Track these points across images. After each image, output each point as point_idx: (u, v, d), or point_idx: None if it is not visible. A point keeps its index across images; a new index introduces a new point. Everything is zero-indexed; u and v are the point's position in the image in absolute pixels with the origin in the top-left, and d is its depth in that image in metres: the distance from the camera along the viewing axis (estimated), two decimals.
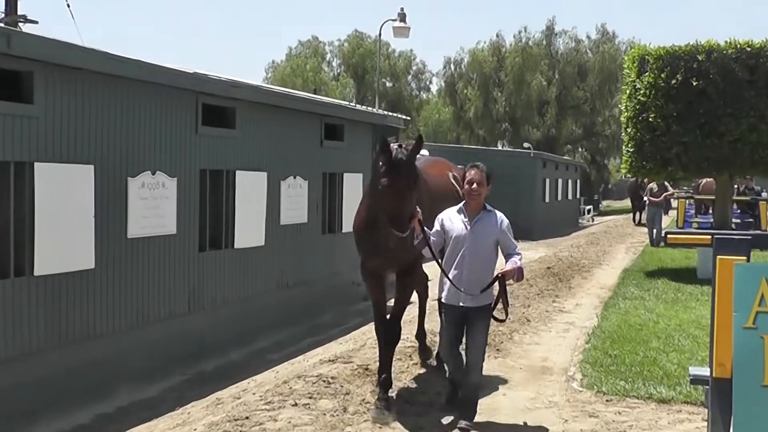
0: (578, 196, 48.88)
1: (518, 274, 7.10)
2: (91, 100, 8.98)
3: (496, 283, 7.23)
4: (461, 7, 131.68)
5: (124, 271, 9.63)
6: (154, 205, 10.06)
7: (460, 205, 7.36)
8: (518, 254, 7.18)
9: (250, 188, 11.96)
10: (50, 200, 8.37)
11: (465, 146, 47.30)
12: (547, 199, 37.45)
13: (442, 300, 7.47)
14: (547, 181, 37.60)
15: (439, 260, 7.33)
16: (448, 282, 7.31)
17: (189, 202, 10.75)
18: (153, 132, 10.02)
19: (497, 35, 61.48)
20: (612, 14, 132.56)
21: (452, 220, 7.30)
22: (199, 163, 10.95)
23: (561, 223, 39.06)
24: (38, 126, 8.25)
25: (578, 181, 48.40)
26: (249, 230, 12.01)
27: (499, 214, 7.32)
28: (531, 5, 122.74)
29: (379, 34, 35.97)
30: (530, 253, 25.57)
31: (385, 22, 32.89)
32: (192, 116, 10.74)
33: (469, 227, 7.18)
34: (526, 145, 42.29)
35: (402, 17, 31.54)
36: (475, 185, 7.18)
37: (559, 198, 41.02)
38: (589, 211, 50.81)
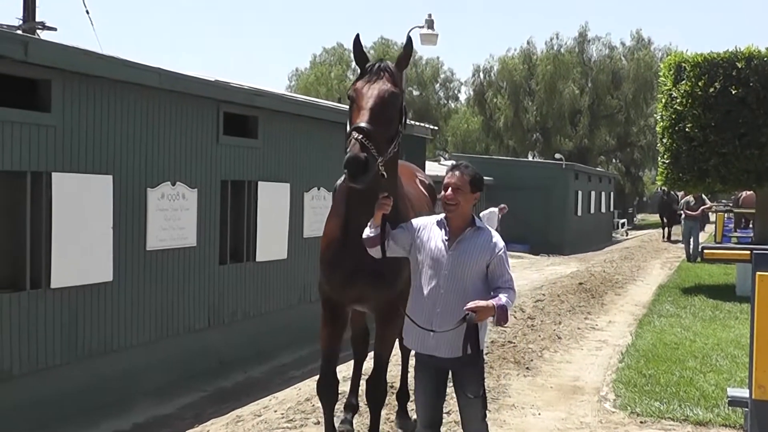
0: (612, 209, 48.70)
1: (499, 314, 5.26)
2: (110, 108, 9.04)
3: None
4: (491, 13, 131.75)
5: (142, 284, 9.67)
6: (174, 217, 10.10)
7: (441, 216, 5.69)
8: (510, 289, 5.46)
9: (272, 200, 11.99)
10: (68, 211, 8.42)
11: (494, 157, 47.25)
12: (579, 212, 37.33)
13: (405, 345, 5.91)
14: (580, 193, 37.49)
15: (385, 250, 5.70)
16: (407, 324, 5.67)
17: (210, 214, 10.79)
18: (173, 142, 10.08)
19: (528, 42, 61.51)
20: (647, 20, 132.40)
21: (430, 232, 5.66)
22: (220, 174, 10.99)
23: (594, 237, 38.93)
24: (56, 135, 8.31)
25: (612, 193, 48.22)
26: (271, 243, 12.03)
27: (494, 234, 5.64)
28: (563, 11, 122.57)
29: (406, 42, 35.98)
30: (561, 268, 25.50)
31: (412, 29, 32.79)
32: (213, 125, 10.79)
33: (448, 248, 5.51)
34: (557, 156, 42.14)
35: (430, 24, 31.53)
36: (449, 191, 5.50)
37: (592, 211, 40.88)
38: (622, 224, 50.61)
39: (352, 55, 6.08)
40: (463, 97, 70.23)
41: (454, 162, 5.87)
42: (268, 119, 11.87)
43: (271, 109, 11.89)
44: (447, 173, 5.62)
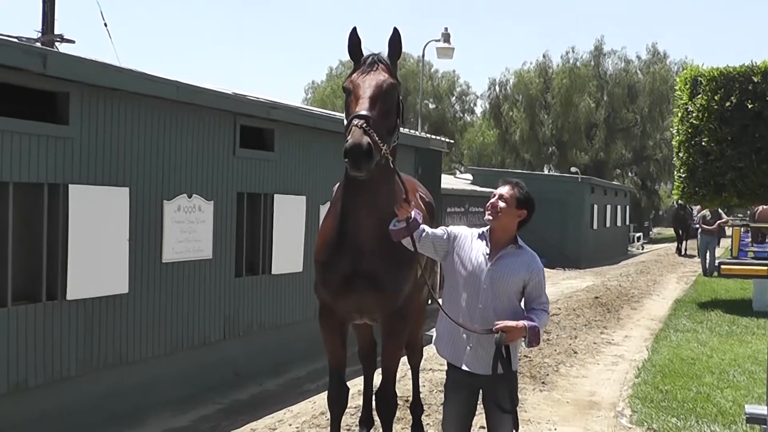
0: (627, 222, 48.48)
1: (531, 335, 5.27)
2: (128, 121, 9.06)
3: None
4: (507, 26, 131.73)
5: (158, 297, 9.67)
6: (190, 229, 10.11)
7: (484, 229, 5.61)
8: (544, 311, 5.48)
9: (288, 212, 11.99)
10: (84, 223, 8.43)
11: (510, 170, 47.15)
12: (595, 226, 37.19)
13: (439, 352, 5.78)
14: (596, 207, 37.35)
15: (417, 244, 5.58)
16: (444, 322, 5.61)
17: (225, 226, 10.79)
18: (190, 154, 10.09)
19: (544, 56, 61.44)
20: (663, 33, 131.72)
21: (471, 243, 5.57)
22: (236, 186, 10.99)
23: (609, 251, 38.77)
24: (73, 147, 8.32)
25: (627, 207, 48.02)
26: (287, 256, 12.02)
27: (535, 256, 5.60)
28: (578, 25, 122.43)
29: (422, 55, 36.06)
30: (577, 282, 25.42)
31: (428, 43, 33.01)
32: (230, 138, 10.80)
33: (489, 262, 5.45)
34: (573, 169, 42.05)
35: (446, 37, 31.62)
36: (495, 199, 5.47)
37: (608, 225, 40.71)
38: (638, 238, 50.40)
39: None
40: (479, 110, 70.24)
41: (509, 179, 5.67)
42: (284, 132, 11.87)
43: (288, 122, 11.89)
44: (500, 185, 5.59)
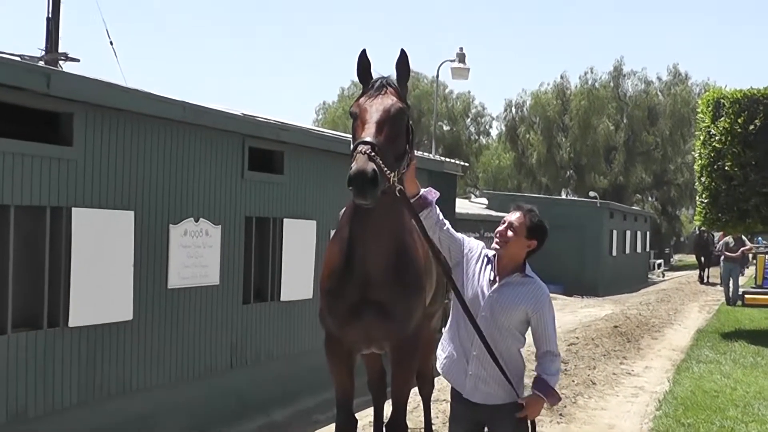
0: (648, 249, 48.39)
1: (551, 400, 5.36)
2: (133, 142, 9.05)
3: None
4: (523, 47, 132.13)
5: (163, 324, 9.62)
6: (197, 254, 10.08)
7: (492, 252, 5.50)
8: (555, 356, 5.41)
9: (298, 237, 11.96)
10: (88, 247, 8.41)
11: (526, 194, 47.11)
12: (614, 253, 37.09)
13: (440, 371, 5.69)
14: (615, 232, 37.28)
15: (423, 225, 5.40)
16: (447, 344, 5.58)
17: (233, 252, 10.76)
18: (197, 177, 10.07)
19: (561, 76, 61.73)
20: (684, 54, 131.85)
21: (478, 263, 5.49)
22: (244, 210, 10.97)
23: (629, 279, 38.65)
24: (77, 169, 8.31)
25: (648, 233, 47.94)
26: (296, 282, 11.97)
27: (543, 287, 5.42)
28: (597, 45, 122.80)
29: (437, 75, 36.13)
30: (596, 311, 25.30)
31: (443, 63, 33.04)
32: (238, 160, 10.79)
33: (489, 291, 5.35)
34: (592, 193, 42.00)
35: (461, 57, 31.65)
36: (503, 227, 5.37)
37: (627, 251, 40.63)
38: (659, 265, 50.27)
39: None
40: (494, 132, 70.49)
41: (521, 204, 5.55)
42: (294, 154, 11.86)
43: (298, 144, 11.87)
44: (512, 210, 5.48)
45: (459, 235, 5.58)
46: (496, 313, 5.28)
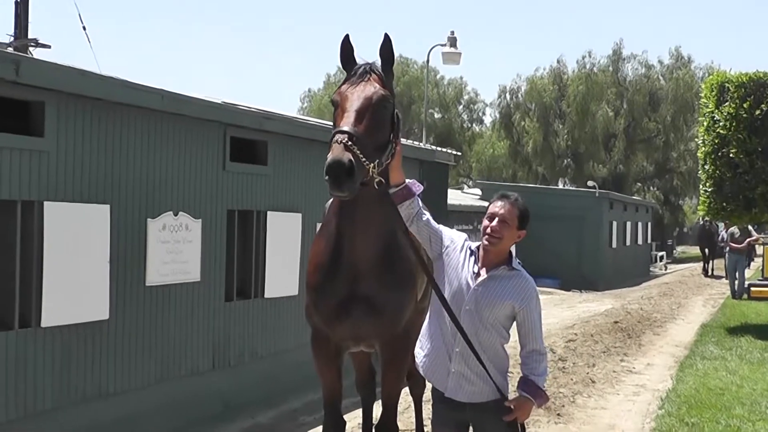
0: (649, 240, 48.48)
1: (539, 402, 5.33)
2: (108, 133, 9.02)
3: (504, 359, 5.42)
4: (518, 30, 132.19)
5: (141, 323, 9.60)
6: (176, 250, 10.06)
7: (476, 244, 5.44)
8: (541, 355, 5.36)
9: (283, 231, 11.94)
10: (61, 243, 8.38)
11: (522, 185, 47.11)
12: (614, 245, 37.14)
13: (421, 371, 5.64)
14: (615, 224, 37.32)
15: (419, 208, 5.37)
16: (427, 341, 5.54)
17: (215, 246, 10.75)
18: (176, 168, 10.05)
19: (558, 61, 61.73)
20: (687, 36, 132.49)
21: (459, 255, 5.42)
22: (226, 203, 10.95)
23: (630, 272, 38.74)
24: (49, 161, 8.28)
25: (649, 223, 48.02)
26: (281, 278, 11.96)
27: (530, 281, 5.38)
28: (595, 27, 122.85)
29: (427, 60, 36.12)
30: (595, 306, 25.35)
31: (433, 47, 33.02)
32: (219, 151, 10.77)
33: (474, 283, 5.29)
34: (590, 183, 41.99)
35: (452, 42, 31.62)
36: (496, 222, 5.26)
37: (628, 243, 40.69)
38: (661, 257, 50.35)
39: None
40: (488, 120, 70.47)
41: (505, 192, 5.47)
42: (278, 144, 11.84)
43: (282, 134, 11.86)
44: (495, 201, 5.38)
45: (439, 226, 5.52)
46: (481, 307, 5.23)
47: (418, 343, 5.65)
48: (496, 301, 5.22)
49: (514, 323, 5.36)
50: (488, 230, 5.26)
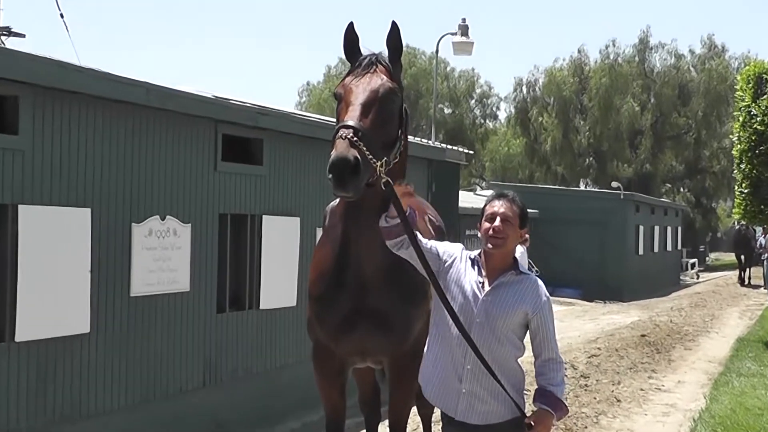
0: (679, 247, 48.45)
1: (559, 415, 5.28)
2: (89, 130, 9.02)
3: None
4: (535, 18, 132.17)
5: (125, 337, 9.60)
6: (164, 257, 10.07)
7: (476, 253, 5.43)
8: (558, 363, 5.33)
9: (279, 237, 11.95)
10: (37, 250, 8.38)
11: (540, 186, 47.22)
12: (640, 251, 37.14)
13: (428, 398, 5.57)
14: (641, 228, 37.32)
15: (428, 266, 5.29)
16: (429, 358, 5.49)
17: (205, 253, 10.75)
18: (163, 169, 10.05)
19: (579, 51, 61.70)
20: (721, 23, 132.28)
21: (461, 267, 5.39)
22: (218, 207, 10.95)
23: (658, 280, 38.71)
24: (24, 161, 8.29)
25: (679, 228, 48.01)
26: (278, 287, 11.97)
27: (541, 284, 5.37)
28: (620, 14, 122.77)
29: (436, 51, 36.02)
30: (620, 317, 25.34)
31: (443, 36, 32.98)
32: (210, 150, 10.77)
33: (482, 293, 5.26)
34: (614, 184, 42.05)
35: (464, 30, 31.58)
36: (498, 222, 5.24)
37: (656, 249, 40.69)
38: (693, 265, 50.32)
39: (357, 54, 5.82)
40: (502, 115, 70.43)
41: (500, 191, 5.45)
42: (274, 142, 11.84)
43: (279, 131, 11.86)
44: (491, 201, 5.36)
45: (430, 242, 5.50)
46: (493, 318, 5.18)
47: (421, 371, 5.59)
48: (508, 310, 5.18)
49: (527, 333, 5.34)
50: (491, 231, 5.23)
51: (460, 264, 5.38)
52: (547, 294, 5.37)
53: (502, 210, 5.25)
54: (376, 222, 5.46)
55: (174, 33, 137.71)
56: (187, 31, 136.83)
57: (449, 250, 5.47)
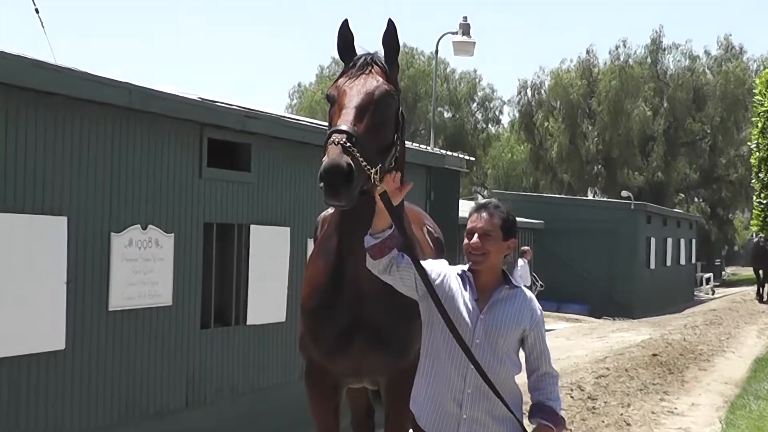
0: (693, 260, 48.49)
1: (560, 427, 5.30)
2: (66, 133, 9.02)
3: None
4: (540, 16, 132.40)
5: (103, 354, 9.60)
6: (145, 269, 10.07)
7: (463, 268, 5.42)
8: (554, 377, 5.38)
9: (268, 248, 11.95)
10: (9, 261, 8.38)
11: (545, 195, 47.24)
12: (652, 265, 37.18)
13: (423, 427, 5.45)
14: (653, 240, 37.37)
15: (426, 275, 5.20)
16: (422, 384, 5.41)
17: (189, 265, 10.75)
18: (145, 175, 10.06)
19: (587, 51, 62.04)
20: (738, 23, 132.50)
21: (452, 285, 5.35)
22: (203, 215, 10.96)
23: (670, 296, 38.76)
24: None
25: (693, 240, 48.07)
26: (267, 302, 11.97)
27: (529, 294, 5.42)
28: (631, 13, 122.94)
29: (436, 51, 36.01)
30: (630, 335, 25.33)
31: (443, 36, 33.00)
32: (195, 155, 10.78)
33: (479, 312, 5.24)
34: (625, 193, 42.12)
35: (465, 29, 31.59)
36: (476, 238, 5.26)
37: (669, 263, 40.73)
38: (708, 280, 50.39)
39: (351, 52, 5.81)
40: (506, 119, 70.66)
41: (481, 201, 5.39)
42: (263, 147, 11.85)
43: (268, 135, 11.87)
44: (471, 214, 5.35)
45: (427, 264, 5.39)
46: (494, 337, 5.19)
47: (413, 401, 5.51)
48: (509, 327, 5.21)
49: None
50: (470, 248, 5.25)
51: (450, 282, 5.36)
52: (539, 306, 5.42)
53: (480, 224, 5.25)
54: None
55: (155, 30, 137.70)
56: (171, 31, 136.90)
57: (436, 268, 5.43)
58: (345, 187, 4.87)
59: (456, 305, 5.24)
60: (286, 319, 12.24)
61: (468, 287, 5.30)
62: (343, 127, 5.07)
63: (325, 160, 4.89)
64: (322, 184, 4.88)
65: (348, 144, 4.95)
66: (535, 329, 5.27)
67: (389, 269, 5.27)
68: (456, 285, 5.32)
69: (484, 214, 5.28)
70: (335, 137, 5.01)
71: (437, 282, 5.30)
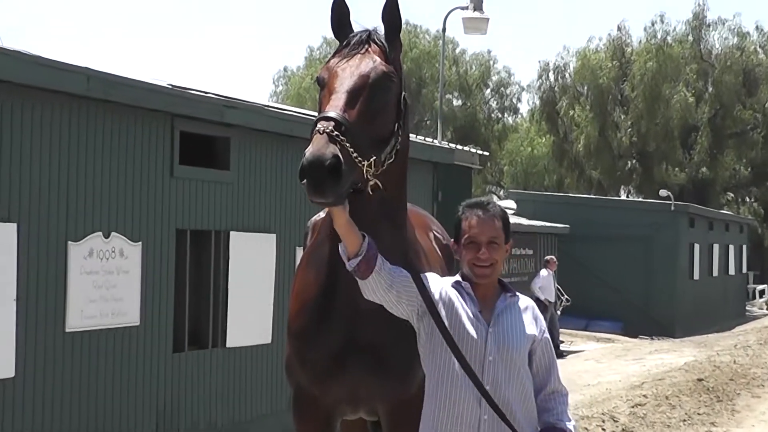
0: (745, 270, 48.42)
1: None
2: (15, 126, 9.04)
3: None
4: None
5: (59, 382, 9.60)
6: (108, 283, 10.07)
7: (458, 279, 5.41)
8: (565, 400, 5.37)
9: (251, 258, 11.95)
10: None
11: (571, 195, 47.21)
12: (696, 275, 37.15)
13: None
14: (697, 247, 37.34)
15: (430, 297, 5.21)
16: (431, 424, 5.31)
17: (160, 279, 10.76)
18: (107, 174, 10.06)
19: (619, 28, 61.78)
20: None
21: (453, 299, 5.31)
22: (174, 221, 10.97)
23: (718, 312, 38.71)
24: None
25: (744, 247, 48.01)
26: (249, 321, 11.97)
27: (530, 302, 5.47)
28: None
29: (443, 29, 35.86)
30: (671, 357, 25.34)
31: (451, 11, 32.94)
32: (165, 151, 10.78)
33: (485, 325, 5.23)
34: (663, 193, 42.05)
35: (477, 4, 31.57)
36: (484, 249, 5.25)
37: (716, 273, 40.68)
38: (762, 292, 50.34)
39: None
40: (524, 108, 70.51)
41: (470, 201, 5.39)
42: (244, 142, 11.86)
43: (249, 127, 11.88)
44: (467, 217, 5.30)
45: (404, 271, 5.34)
46: (507, 351, 5.18)
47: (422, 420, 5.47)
48: (521, 338, 5.23)
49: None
50: (479, 262, 5.23)
51: (448, 296, 5.32)
52: (540, 314, 5.48)
53: (485, 232, 5.24)
54: (375, 239, 5.39)
55: (122, 15, 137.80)
56: (139, 12, 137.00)
57: (435, 284, 5.39)
58: (330, 181, 4.79)
59: (461, 321, 5.22)
60: (272, 340, 12.25)
61: (467, 299, 5.28)
62: (331, 114, 5.01)
63: (308, 151, 4.82)
64: (303, 181, 4.82)
65: (335, 133, 4.89)
66: (544, 339, 5.30)
67: (376, 288, 5.23)
68: (456, 299, 5.29)
69: (485, 218, 5.26)
70: (321, 125, 4.94)
71: (436, 298, 5.27)
